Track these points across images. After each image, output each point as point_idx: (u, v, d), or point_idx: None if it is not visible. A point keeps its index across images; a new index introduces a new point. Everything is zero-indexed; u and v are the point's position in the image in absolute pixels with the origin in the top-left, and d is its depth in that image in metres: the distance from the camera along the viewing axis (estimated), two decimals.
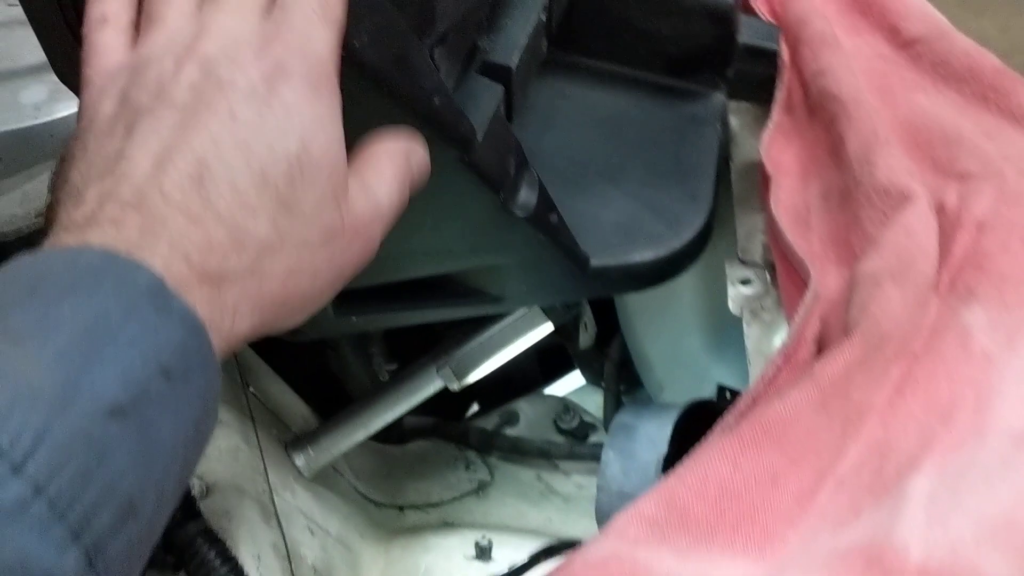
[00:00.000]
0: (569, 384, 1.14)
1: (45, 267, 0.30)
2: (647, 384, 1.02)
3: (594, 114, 0.72)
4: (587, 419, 1.03)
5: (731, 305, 0.65)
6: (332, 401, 0.96)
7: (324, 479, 0.80)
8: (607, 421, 1.00)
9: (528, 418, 1.05)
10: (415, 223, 0.59)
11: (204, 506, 0.59)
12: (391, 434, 0.96)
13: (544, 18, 0.61)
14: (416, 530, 0.90)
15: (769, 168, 0.65)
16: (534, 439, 0.97)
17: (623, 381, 1.06)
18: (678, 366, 0.96)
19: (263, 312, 0.34)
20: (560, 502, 0.97)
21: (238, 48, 0.35)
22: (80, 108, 0.37)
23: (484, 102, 0.55)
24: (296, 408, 0.84)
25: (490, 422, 1.04)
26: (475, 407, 1.17)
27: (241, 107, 0.34)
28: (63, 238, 0.31)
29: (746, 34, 0.71)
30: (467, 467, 1.00)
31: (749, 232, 0.70)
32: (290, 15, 0.37)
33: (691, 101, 0.73)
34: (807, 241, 0.61)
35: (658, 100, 0.73)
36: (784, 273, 0.60)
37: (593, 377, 1.10)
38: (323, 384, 0.94)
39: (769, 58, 0.72)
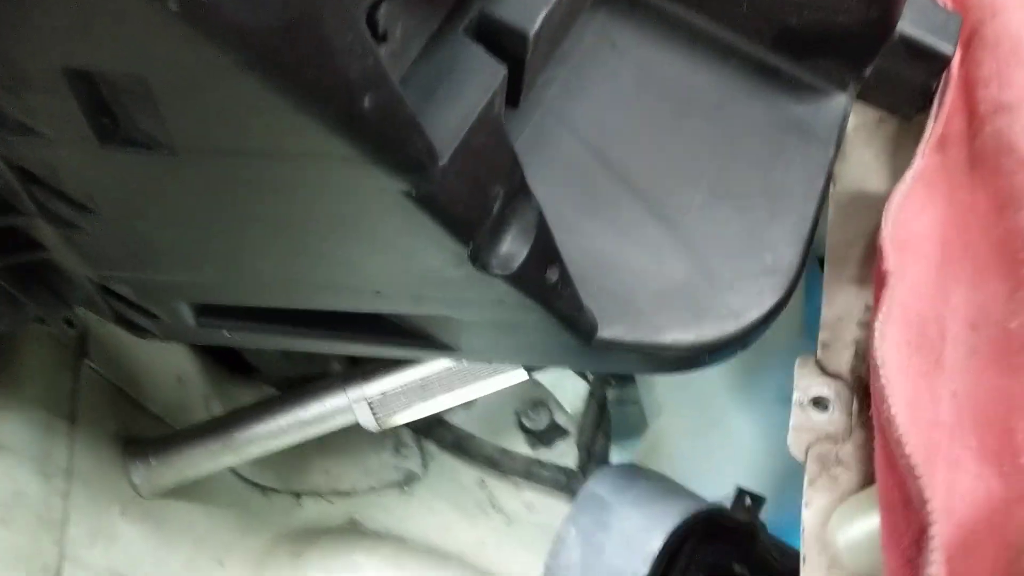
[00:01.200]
0: None
1: None
2: (643, 398, 0.81)
3: (654, 84, 0.48)
4: (559, 420, 0.82)
5: (790, 440, 0.43)
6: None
7: None
8: (585, 433, 0.79)
9: (487, 400, 0.85)
10: (321, 249, 0.37)
11: None
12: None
13: None
14: (310, 535, 0.71)
15: (889, 254, 0.41)
16: (485, 441, 0.77)
17: (616, 377, 0.85)
18: (688, 397, 0.75)
19: None
20: (501, 522, 0.78)
21: None
22: None
23: (467, 94, 0.31)
24: (174, 367, 0.62)
25: None
26: None
27: None
28: None
29: (911, 21, 0.46)
30: (396, 450, 0.80)
31: (839, 319, 0.47)
32: None
33: (802, 98, 0.49)
34: (932, 396, 0.39)
35: (754, 85, 0.49)
36: (882, 451, 0.38)
37: None
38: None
39: (935, 63, 0.47)
